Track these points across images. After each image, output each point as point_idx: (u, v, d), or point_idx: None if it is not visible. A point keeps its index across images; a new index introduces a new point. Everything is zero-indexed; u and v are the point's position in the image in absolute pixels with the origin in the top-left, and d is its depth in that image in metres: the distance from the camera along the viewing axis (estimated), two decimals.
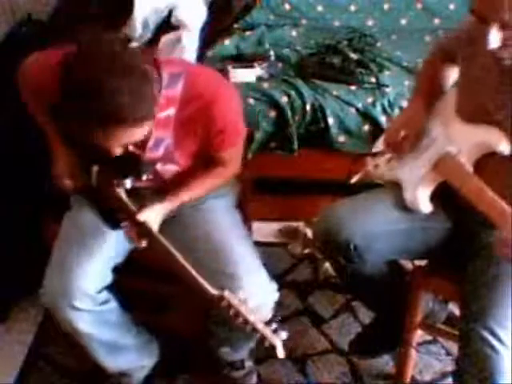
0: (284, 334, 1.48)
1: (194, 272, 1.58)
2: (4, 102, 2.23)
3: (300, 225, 2.72)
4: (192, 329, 2.08)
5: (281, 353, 1.48)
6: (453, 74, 1.85)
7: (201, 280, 1.57)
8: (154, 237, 1.66)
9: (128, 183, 1.74)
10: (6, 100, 2.23)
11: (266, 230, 2.69)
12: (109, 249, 1.82)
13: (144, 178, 1.75)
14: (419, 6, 3.12)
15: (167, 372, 2.11)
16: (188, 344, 2.13)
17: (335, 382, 2.18)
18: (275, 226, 2.76)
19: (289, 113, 2.57)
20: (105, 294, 1.81)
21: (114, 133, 1.47)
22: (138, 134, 1.52)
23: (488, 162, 1.67)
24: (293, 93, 2.59)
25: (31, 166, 2.18)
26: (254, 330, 1.47)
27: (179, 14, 2.77)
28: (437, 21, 3.12)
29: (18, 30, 2.58)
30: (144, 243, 1.69)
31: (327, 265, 2.49)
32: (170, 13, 2.80)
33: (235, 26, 3.06)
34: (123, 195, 1.73)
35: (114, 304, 1.85)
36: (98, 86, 1.41)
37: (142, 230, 1.67)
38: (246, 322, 1.47)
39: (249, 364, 2.10)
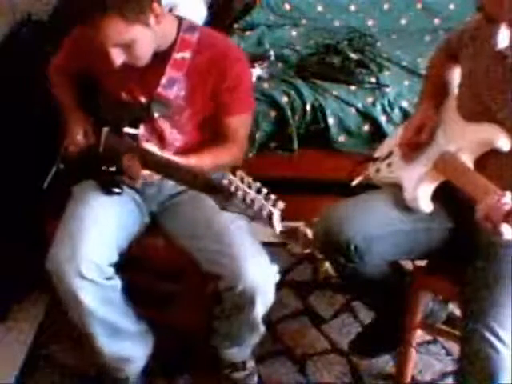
0: (281, 204, 1.47)
1: (200, 172, 1.59)
2: (6, 100, 2.23)
3: (300, 225, 2.72)
4: (194, 327, 2.08)
5: (277, 224, 1.48)
6: (458, 73, 1.85)
7: (207, 174, 1.57)
8: (156, 157, 1.66)
9: (136, 131, 1.79)
10: (9, 98, 2.23)
11: (266, 230, 2.68)
12: (115, 226, 1.83)
13: (156, 115, 1.80)
14: (419, 5, 3.13)
15: (168, 372, 2.11)
16: (189, 344, 2.13)
17: (335, 382, 2.18)
18: None
19: (289, 113, 2.58)
20: (111, 270, 1.81)
21: (101, 26, 1.60)
22: (127, 32, 1.62)
23: (489, 160, 1.67)
24: (293, 93, 2.59)
25: (31, 164, 2.18)
26: (253, 201, 1.45)
27: (179, 14, 2.77)
28: (437, 21, 3.12)
29: (18, 30, 2.57)
30: (145, 174, 1.70)
31: (327, 265, 2.49)
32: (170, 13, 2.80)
33: (235, 26, 3.07)
34: (130, 135, 1.79)
35: (118, 282, 1.84)
36: None
37: (145, 157, 1.68)
38: (246, 194, 1.45)
39: (250, 365, 2.10)
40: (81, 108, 1.96)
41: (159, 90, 1.78)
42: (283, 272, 2.55)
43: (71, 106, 1.97)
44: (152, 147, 1.71)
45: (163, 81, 1.78)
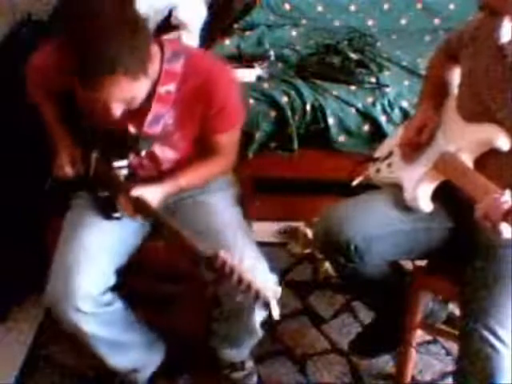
0: (279, 291, 1.46)
1: (188, 237, 1.58)
2: (5, 100, 2.23)
3: (300, 225, 2.72)
4: (193, 329, 2.08)
5: (275, 311, 1.45)
6: (458, 73, 1.85)
7: (195, 243, 1.57)
8: (148, 209, 1.66)
9: (125, 164, 1.76)
10: (7, 98, 2.23)
11: (266, 230, 2.69)
12: (110, 251, 1.82)
13: (143, 153, 1.77)
14: (419, 5, 3.12)
15: (168, 372, 2.11)
16: (189, 344, 2.13)
17: (335, 382, 2.18)
18: (275, 226, 2.76)
19: (289, 113, 2.57)
20: (108, 296, 1.81)
21: (107, 87, 1.51)
22: (132, 88, 1.56)
23: (489, 160, 1.67)
24: (293, 93, 2.59)
25: (31, 165, 2.18)
26: (249, 286, 1.44)
27: (179, 14, 2.78)
28: (437, 21, 3.12)
29: (18, 30, 2.57)
30: (139, 217, 1.71)
31: (327, 265, 2.49)
32: (170, 13, 2.80)
33: (235, 26, 3.06)
34: (120, 175, 1.76)
35: (118, 305, 1.85)
36: (89, 36, 1.48)
37: (137, 204, 1.68)
38: (241, 278, 1.44)
39: (249, 365, 2.10)
40: (67, 132, 1.88)
41: (145, 128, 1.73)
42: (283, 272, 2.56)
43: (59, 131, 1.90)
44: (144, 192, 1.69)
45: (149, 118, 1.72)
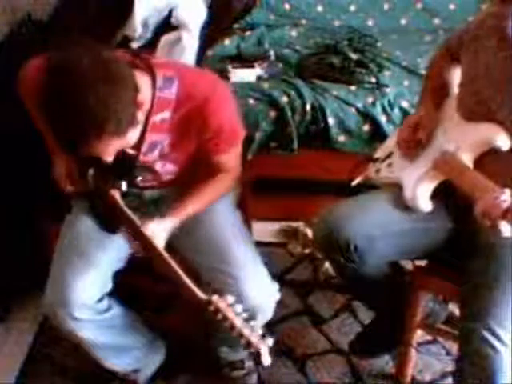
0: (270, 341, 1.46)
1: (185, 278, 1.57)
2: (4, 101, 2.23)
3: (300, 225, 2.72)
4: (192, 329, 2.08)
5: (266, 360, 1.45)
6: (458, 74, 1.85)
7: (191, 285, 1.57)
8: (153, 248, 1.63)
9: (124, 185, 1.74)
10: (7, 100, 2.23)
11: (266, 229, 2.69)
12: (108, 257, 1.81)
13: (139, 179, 1.76)
14: (419, 5, 3.12)
15: (167, 372, 2.11)
16: (188, 344, 2.13)
17: (335, 382, 2.18)
18: (275, 225, 2.76)
19: (289, 113, 2.57)
20: (105, 302, 1.81)
21: (97, 144, 1.47)
22: (122, 141, 1.52)
23: (489, 160, 1.67)
24: (293, 93, 2.59)
25: (30, 164, 2.18)
26: (240, 335, 1.45)
27: (179, 14, 2.78)
28: (437, 21, 3.12)
29: (18, 30, 2.57)
30: (143, 253, 1.68)
31: (327, 265, 2.49)
32: (170, 13, 2.80)
33: (235, 26, 3.06)
34: (117, 197, 1.72)
35: (115, 310, 1.85)
36: (70, 100, 1.41)
37: (143, 240, 1.65)
38: (233, 326, 1.46)
39: (249, 364, 2.10)
40: (61, 149, 1.83)
41: (141, 157, 1.70)
42: (283, 272, 2.56)
43: (53, 145, 1.87)
44: (154, 228, 1.65)
45: (144, 148, 1.68)
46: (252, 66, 2.72)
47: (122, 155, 1.63)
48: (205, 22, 2.86)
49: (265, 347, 1.44)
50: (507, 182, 1.56)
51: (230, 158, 1.81)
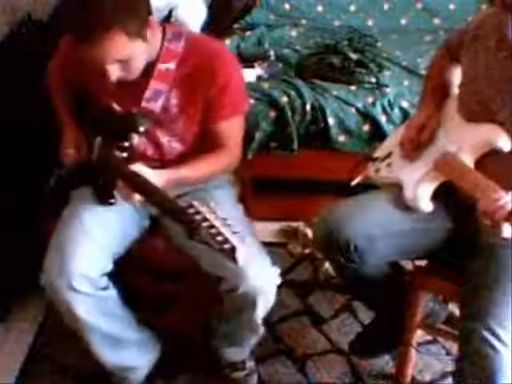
0: (248, 240, 1.44)
1: (166, 194, 1.59)
2: (6, 99, 2.23)
3: (300, 225, 2.72)
4: (193, 328, 2.08)
5: (241, 257, 1.40)
6: (459, 74, 1.85)
7: (171, 197, 1.58)
8: (145, 184, 1.64)
9: (127, 145, 1.76)
10: (8, 98, 2.23)
11: (266, 229, 2.69)
12: (108, 236, 1.82)
13: (141, 129, 1.76)
14: (419, 5, 3.13)
15: (167, 372, 2.11)
16: (189, 344, 2.13)
17: (335, 382, 2.18)
18: (275, 225, 2.76)
19: (289, 113, 2.58)
20: (105, 281, 1.80)
21: (103, 42, 1.55)
22: (127, 48, 1.60)
23: (490, 161, 1.67)
24: (293, 93, 2.59)
25: (31, 163, 2.18)
26: (218, 233, 1.42)
27: (179, 14, 2.78)
28: (437, 21, 3.12)
29: (18, 30, 2.57)
30: (138, 197, 1.68)
31: (327, 265, 2.49)
32: (170, 13, 2.80)
33: (235, 26, 3.07)
34: (121, 156, 1.75)
35: (113, 292, 1.84)
36: None
37: (135, 180, 1.66)
38: (212, 226, 1.43)
39: (250, 364, 2.10)
40: (75, 119, 1.93)
41: (143, 103, 1.75)
42: (283, 272, 2.56)
43: (66, 117, 1.94)
44: (141, 168, 1.68)
45: (147, 94, 1.74)
46: (252, 66, 2.72)
47: (125, 113, 1.75)
48: (205, 22, 2.86)
49: (241, 244, 1.41)
50: (508, 183, 1.56)
51: (231, 129, 1.81)
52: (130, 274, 1.90)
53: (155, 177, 1.68)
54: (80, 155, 1.87)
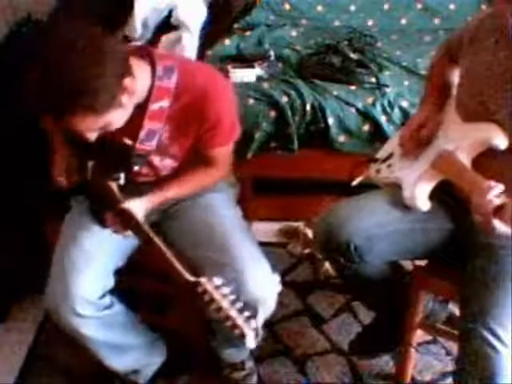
0: (254, 323, 1.47)
1: (173, 259, 1.59)
2: (6, 101, 2.23)
3: (300, 225, 2.72)
4: (193, 329, 2.08)
5: (251, 342, 1.46)
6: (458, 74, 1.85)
7: (179, 266, 1.57)
8: (137, 225, 1.65)
9: (121, 176, 1.75)
10: (7, 98, 2.23)
11: (266, 230, 2.69)
12: (109, 254, 1.82)
13: (136, 168, 1.76)
14: (419, 5, 3.12)
15: (167, 372, 2.11)
16: (188, 345, 2.13)
17: (335, 382, 2.18)
18: (275, 225, 2.76)
19: (289, 113, 2.57)
20: (107, 299, 1.81)
21: (72, 116, 1.50)
22: (100, 122, 1.54)
23: (487, 160, 1.67)
24: (293, 93, 2.59)
25: (32, 165, 2.18)
26: (227, 317, 1.45)
27: (179, 14, 2.78)
28: (437, 21, 3.12)
29: (18, 30, 2.57)
30: (128, 233, 1.70)
31: (327, 265, 2.49)
32: (170, 13, 2.80)
33: (235, 26, 3.06)
34: (114, 187, 1.73)
35: (118, 307, 1.85)
36: (52, 65, 1.46)
37: (125, 218, 1.67)
38: (220, 308, 1.46)
39: (249, 365, 2.10)
40: (64, 141, 1.86)
41: (138, 145, 1.70)
42: (283, 272, 2.56)
43: (56, 139, 1.89)
44: (131, 205, 1.67)
45: (142, 135, 1.69)
46: (252, 66, 2.72)
47: (118, 145, 1.68)
48: (205, 21, 2.85)
49: (250, 330, 1.45)
50: (505, 182, 1.56)
51: (222, 154, 1.82)
52: (129, 276, 1.90)
53: (141, 206, 1.70)
54: (70, 181, 1.84)
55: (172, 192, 1.81)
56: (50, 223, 1.96)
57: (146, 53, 1.70)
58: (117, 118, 1.58)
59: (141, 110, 1.67)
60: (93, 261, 1.78)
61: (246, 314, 1.47)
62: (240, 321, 1.46)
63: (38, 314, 2.37)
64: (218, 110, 1.72)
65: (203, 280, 1.49)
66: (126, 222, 1.67)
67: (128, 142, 1.70)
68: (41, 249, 1.93)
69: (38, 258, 1.85)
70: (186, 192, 1.85)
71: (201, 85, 1.70)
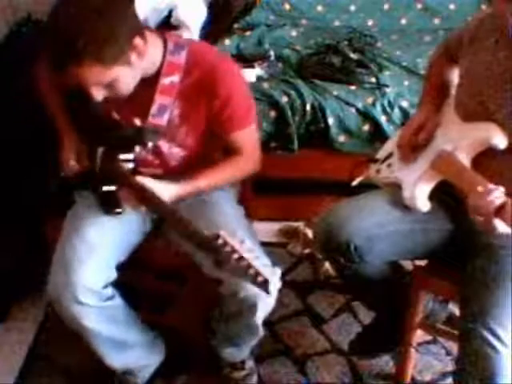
0: (278, 270, 1.44)
1: (190, 222, 1.57)
2: (6, 101, 2.23)
3: (300, 225, 2.72)
4: (193, 328, 2.08)
5: (274, 289, 1.42)
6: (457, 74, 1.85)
7: (197, 228, 1.55)
8: (152, 197, 1.65)
9: (131, 158, 1.76)
10: (8, 97, 2.23)
11: (266, 230, 2.69)
12: (112, 246, 1.82)
13: (150, 145, 1.77)
14: (419, 5, 3.13)
15: (166, 372, 2.11)
16: (188, 344, 2.13)
17: (335, 382, 2.18)
18: (275, 225, 2.76)
19: (289, 113, 2.58)
20: (110, 290, 1.81)
21: (77, 72, 1.54)
22: (106, 76, 1.57)
23: (487, 160, 1.67)
24: (293, 93, 2.59)
25: (34, 164, 2.18)
26: (249, 265, 1.42)
27: (179, 14, 2.77)
28: (437, 21, 3.12)
29: (18, 30, 2.57)
30: (142, 208, 1.71)
31: (327, 265, 2.49)
32: (170, 13, 2.80)
33: (235, 26, 3.07)
34: (125, 167, 1.75)
35: (119, 300, 1.85)
36: (59, 24, 1.52)
37: (140, 193, 1.67)
38: (241, 257, 1.43)
39: (249, 365, 2.10)
40: (71, 125, 1.89)
41: (150, 119, 1.73)
42: (283, 272, 2.56)
43: (63, 123, 1.91)
44: (148, 182, 1.68)
45: (153, 110, 1.72)
46: (252, 66, 2.72)
47: (130, 126, 1.72)
48: (205, 21, 2.85)
49: (272, 276, 1.41)
50: (504, 181, 1.56)
51: (246, 137, 1.82)
52: (130, 274, 1.90)
53: (167, 191, 1.69)
54: (82, 165, 1.86)
55: (204, 182, 1.79)
56: (50, 223, 1.96)
57: (159, 32, 1.76)
58: (124, 76, 1.61)
59: (151, 84, 1.71)
60: (95, 252, 1.78)
61: (266, 261, 1.46)
62: (262, 268, 1.42)
63: (38, 313, 2.37)
64: (229, 85, 1.74)
65: (222, 232, 1.47)
66: (140, 195, 1.67)
67: (138, 122, 1.73)
68: (41, 249, 1.93)
69: (38, 257, 1.85)
70: (218, 183, 1.83)
71: (211, 61, 1.74)
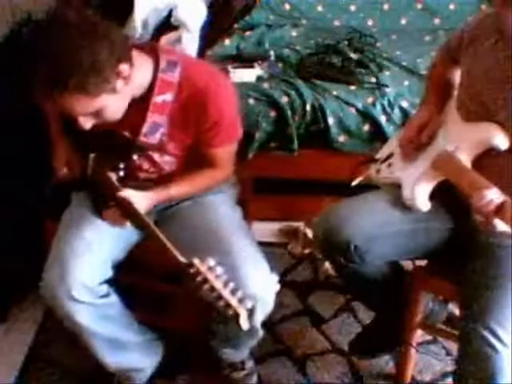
0: (249, 304, 1.46)
1: (168, 244, 1.58)
2: (5, 100, 2.23)
3: (300, 225, 2.72)
4: (192, 328, 2.08)
5: (244, 322, 1.45)
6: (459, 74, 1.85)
7: (172, 249, 1.57)
8: (134, 213, 1.66)
9: (121, 167, 1.75)
10: (7, 99, 2.23)
11: (266, 229, 2.69)
12: (108, 244, 1.82)
13: (134, 158, 1.76)
14: (419, 5, 3.13)
15: (167, 372, 2.11)
16: (188, 344, 2.13)
17: (335, 382, 2.18)
18: (275, 225, 2.76)
19: (289, 113, 2.57)
20: (105, 288, 1.81)
21: (64, 97, 1.50)
22: (92, 105, 1.54)
23: (488, 161, 1.67)
24: (293, 93, 2.59)
25: (32, 166, 2.18)
26: (219, 297, 1.45)
27: (179, 14, 2.77)
28: (437, 21, 3.12)
29: (18, 30, 2.57)
30: (127, 224, 1.71)
31: (327, 265, 2.49)
32: (170, 13, 2.80)
33: (235, 26, 3.07)
34: (113, 177, 1.74)
35: (114, 298, 1.85)
36: (42, 51, 1.48)
37: (123, 206, 1.67)
38: (213, 288, 1.45)
39: (249, 365, 2.10)
40: (62, 133, 1.87)
41: (141, 138, 1.71)
42: (283, 272, 2.56)
43: (56, 132, 1.90)
44: (132, 195, 1.68)
45: (145, 128, 1.70)
46: (252, 66, 2.72)
47: (119, 138, 1.69)
48: (205, 22, 2.85)
49: (243, 310, 1.44)
50: (505, 182, 1.56)
51: (225, 155, 1.82)
52: (129, 275, 1.90)
53: (142, 201, 1.71)
54: (73, 173, 1.85)
55: (176, 190, 1.81)
56: (50, 223, 1.96)
57: (150, 47, 1.71)
58: (111, 104, 1.58)
59: (144, 102, 1.68)
60: (92, 249, 1.78)
61: (240, 294, 1.46)
62: (233, 301, 1.45)
63: (38, 314, 2.37)
64: (220, 107, 1.72)
65: (196, 261, 1.48)
66: (123, 210, 1.68)
67: (127, 134, 1.71)
68: (41, 249, 1.93)
69: (38, 257, 1.85)
70: (190, 192, 1.86)
71: (203, 80, 1.71)
